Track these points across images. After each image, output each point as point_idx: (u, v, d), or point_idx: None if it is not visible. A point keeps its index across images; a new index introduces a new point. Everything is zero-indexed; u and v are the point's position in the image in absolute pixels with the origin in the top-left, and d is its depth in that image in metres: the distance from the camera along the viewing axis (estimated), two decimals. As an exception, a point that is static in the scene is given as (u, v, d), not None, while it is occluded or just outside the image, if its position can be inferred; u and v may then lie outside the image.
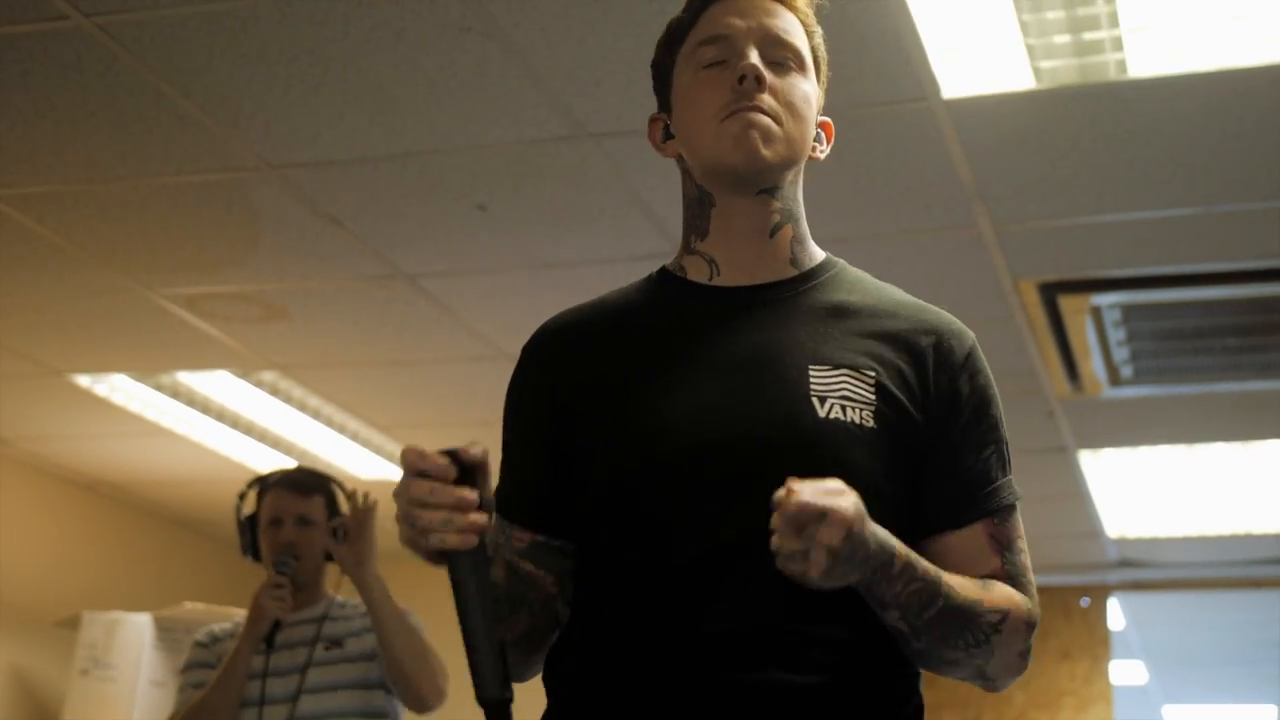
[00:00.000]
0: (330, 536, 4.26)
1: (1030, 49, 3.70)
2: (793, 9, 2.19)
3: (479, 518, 1.85)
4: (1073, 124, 4.05)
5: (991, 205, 4.49)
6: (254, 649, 4.20)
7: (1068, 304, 5.10)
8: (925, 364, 2.09)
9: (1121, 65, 3.75)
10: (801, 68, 2.16)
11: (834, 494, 1.79)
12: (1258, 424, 6.21)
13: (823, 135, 2.24)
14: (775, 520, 1.78)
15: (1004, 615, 2.01)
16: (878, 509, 1.94)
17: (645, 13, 3.49)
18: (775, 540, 1.79)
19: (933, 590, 1.93)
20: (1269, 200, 4.39)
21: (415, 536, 1.87)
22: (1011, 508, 2.11)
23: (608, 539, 2.09)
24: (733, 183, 2.14)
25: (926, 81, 3.84)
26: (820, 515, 1.76)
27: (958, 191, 4.41)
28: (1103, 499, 7.25)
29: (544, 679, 2.14)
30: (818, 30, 2.22)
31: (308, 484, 4.40)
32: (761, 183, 2.14)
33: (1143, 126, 4.04)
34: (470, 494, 1.85)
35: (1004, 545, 2.09)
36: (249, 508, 4.42)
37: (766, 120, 2.09)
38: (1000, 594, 2.04)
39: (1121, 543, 7.99)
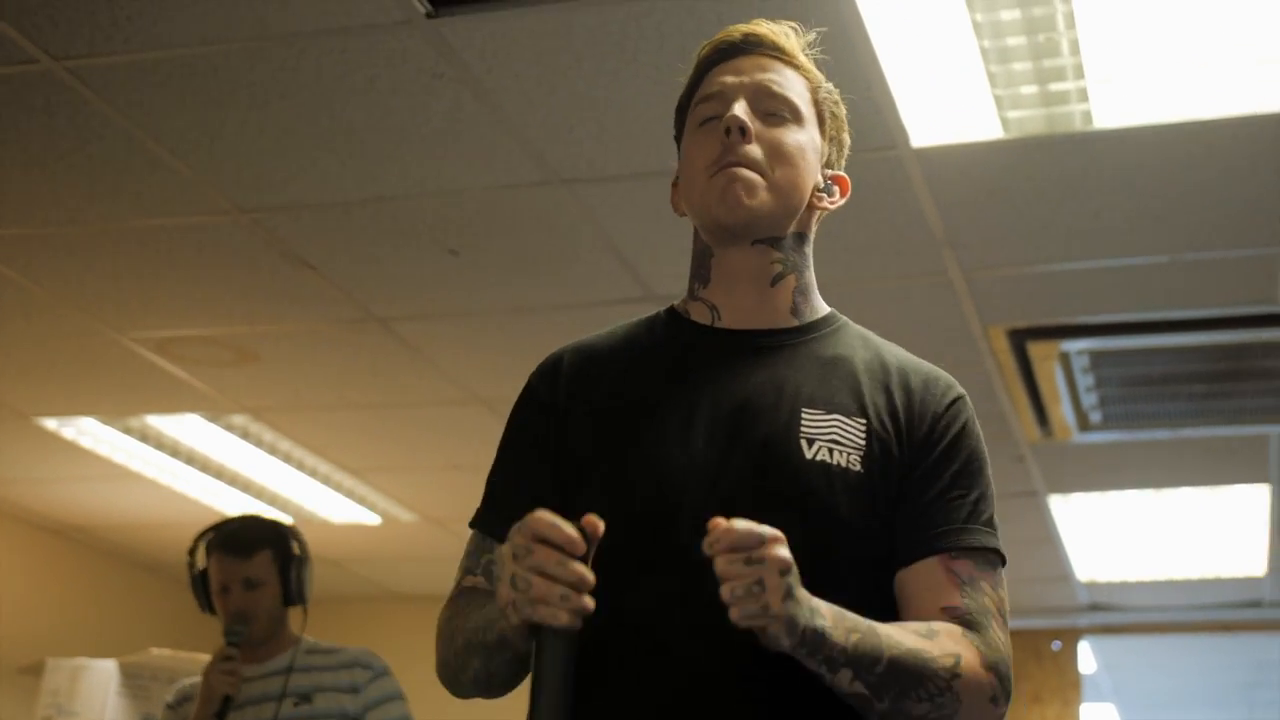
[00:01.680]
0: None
1: (998, 99, 3.72)
2: (792, 65, 2.21)
3: (591, 602, 1.78)
4: (1040, 173, 4.06)
5: (961, 253, 4.50)
6: None
7: (1037, 350, 5.12)
8: (912, 409, 2.11)
9: (1087, 116, 3.77)
10: (797, 119, 2.18)
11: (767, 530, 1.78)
12: (1226, 469, 6.23)
13: (835, 188, 2.27)
14: (719, 564, 1.76)
15: (956, 659, 1.96)
16: (859, 550, 1.99)
17: (617, 60, 3.51)
18: (724, 585, 1.76)
19: (873, 639, 1.88)
20: (1234, 249, 4.41)
21: (523, 604, 1.78)
22: (981, 551, 2.07)
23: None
24: (725, 235, 2.16)
25: (896, 130, 3.86)
26: (762, 540, 1.75)
27: (927, 239, 4.42)
28: (1073, 543, 7.26)
29: None
30: (824, 85, 2.25)
31: (249, 542, 4.25)
32: (753, 233, 2.16)
33: (1109, 176, 4.06)
34: (591, 575, 1.79)
35: (964, 581, 2.05)
36: (201, 563, 4.32)
37: (748, 174, 2.10)
38: (946, 640, 1.97)
39: (1092, 586, 8.00)
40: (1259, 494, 6.51)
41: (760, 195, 2.11)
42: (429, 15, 3.41)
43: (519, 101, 3.79)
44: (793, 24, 2.25)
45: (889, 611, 2.02)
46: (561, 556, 1.77)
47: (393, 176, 4.21)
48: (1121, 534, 7.11)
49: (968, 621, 2.01)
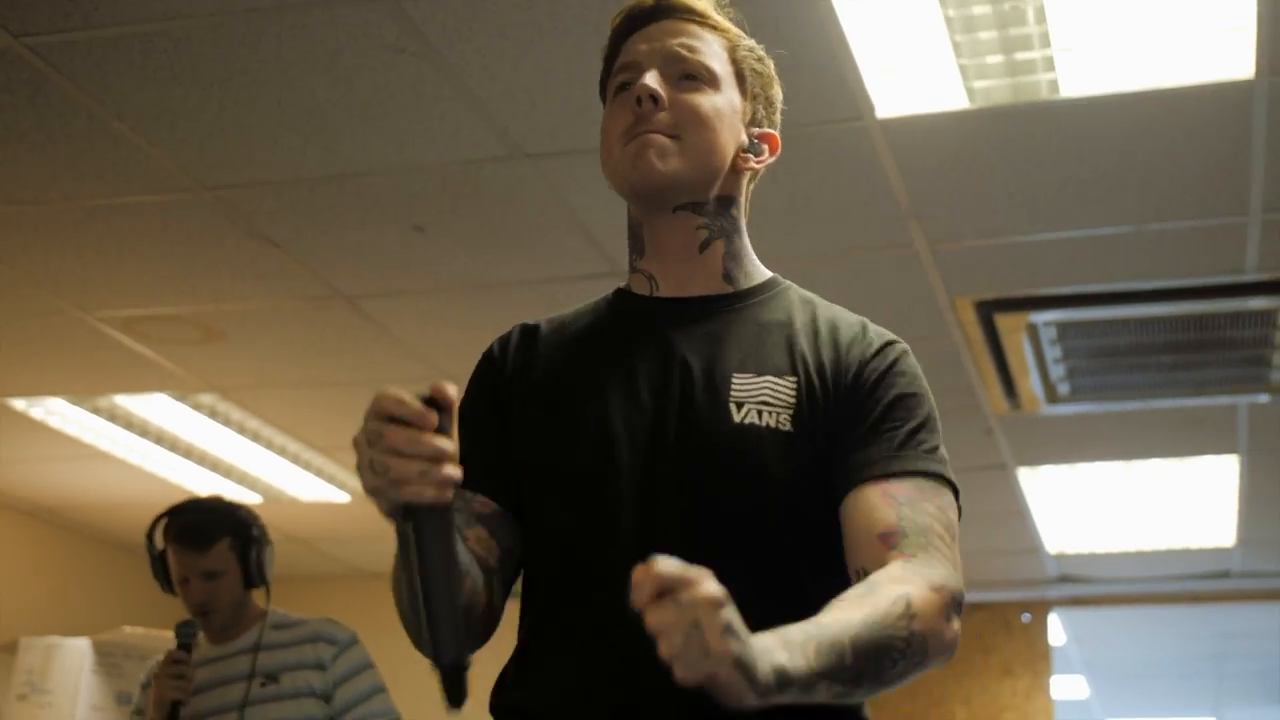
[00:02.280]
0: None
1: (963, 69, 3.72)
2: (707, 25, 2.20)
3: (455, 471, 1.74)
4: (1006, 143, 4.06)
5: (927, 224, 4.51)
6: None
7: (1004, 322, 5.13)
8: (840, 360, 2.10)
9: (1054, 85, 3.78)
10: (713, 82, 2.16)
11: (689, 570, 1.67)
12: (1193, 440, 6.25)
13: (764, 146, 2.24)
14: (649, 619, 1.63)
15: (906, 602, 1.89)
16: (794, 508, 1.99)
17: (579, 33, 3.49)
18: (661, 643, 1.63)
19: (830, 640, 1.80)
20: (1201, 218, 4.42)
21: (385, 487, 1.73)
22: (922, 475, 2.04)
23: (534, 546, 2.12)
24: (644, 203, 2.17)
25: (861, 101, 3.85)
26: (687, 580, 1.63)
27: (893, 210, 4.42)
28: (1042, 515, 7.29)
29: (493, 705, 2.13)
30: (744, 44, 2.23)
31: (206, 533, 4.18)
32: (672, 200, 2.16)
33: (1075, 145, 4.06)
34: (449, 445, 1.74)
35: (902, 503, 2.00)
36: (160, 544, 4.26)
37: (661, 139, 2.10)
38: (889, 588, 1.90)
39: (1061, 558, 8.04)
40: (1227, 465, 6.55)
41: (673, 161, 2.11)
42: (391, -11, 3.40)
43: (482, 76, 3.77)
44: None
45: (832, 569, 1.99)
46: (413, 433, 1.72)
47: (357, 153, 4.19)
48: (1090, 506, 7.14)
49: (907, 544, 1.96)
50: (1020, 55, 3.66)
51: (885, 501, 1.99)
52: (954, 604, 1.96)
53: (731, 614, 1.66)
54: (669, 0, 2.20)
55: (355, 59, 3.71)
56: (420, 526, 1.78)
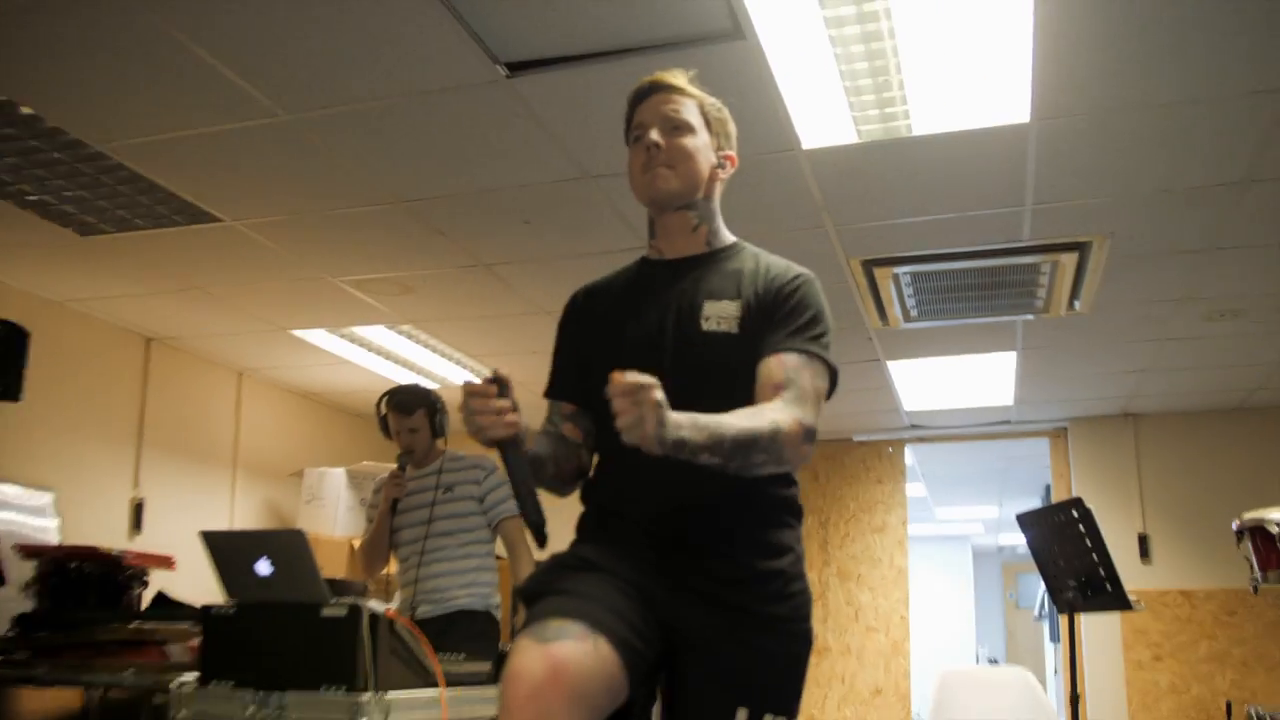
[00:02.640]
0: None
1: (854, 118, 3.63)
2: (686, 95, 2.19)
3: (515, 417, 1.90)
4: (881, 163, 3.97)
5: (833, 214, 4.42)
6: (388, 512, 4.23)
7: (879, 273, 5.05)
8: (769, 289, 2.10)
9: (908, 126, 3.69)
10: (691, 131, 2.16)
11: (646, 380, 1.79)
12: (990, 342, 6.17)
13: (726, 162, 2.23)
14: (615, 404, 1.77)
15: (775, 425, 1.92)
16: (737, 379, 2.02)
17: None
18: (618, 418, 1.77)
19: (718, 429, 1.86)
20: (995, 209, 4.32)
21: (476, 431, 1.89)
22: (805, 354, 2.02)
23: (597, 416, 2.16)
24: (655, 208, 2.18)
25: (792, 138, 3.78)
26: (640, 386, 1.75)
27: (812, 206, 4.34)
28: (901, 388, 7.22)
29: (580, 498, 2.19)
30: (708, 101, 2.21)
31: (410, 403, 4.29)
32: (673, 204, 2.16)
33: (922, 164, 3.97)
34: (506, 404, 1.89)
35: (788, 368, 2.00)
36: (384, 411, 4.34)
37: (663, 171, 2.12)
38: (768, 413, 1.93)
39: (911, 414, 7.98)
40: (1009, 357, 6.48)
41: (671, 183, 2.12)
42: None
43: (564, 121, 3.69)
44: (683, 70, 2.23)
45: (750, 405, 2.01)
46: (484, 400, 1.88)
47: (487, 175, 4.10)
48: (930, 382, 7.08)
49: (787, 394, 1.97)
50: (888, 109, 3.57)
51: (779, 367, 2.01)
52: (805, 433, 1.96)
53: (664, 412, 1.77)
54: (662, 81, 2.19)
55: (497, 138, 3.63)
56: (504, 451, 1.91)
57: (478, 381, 1.90)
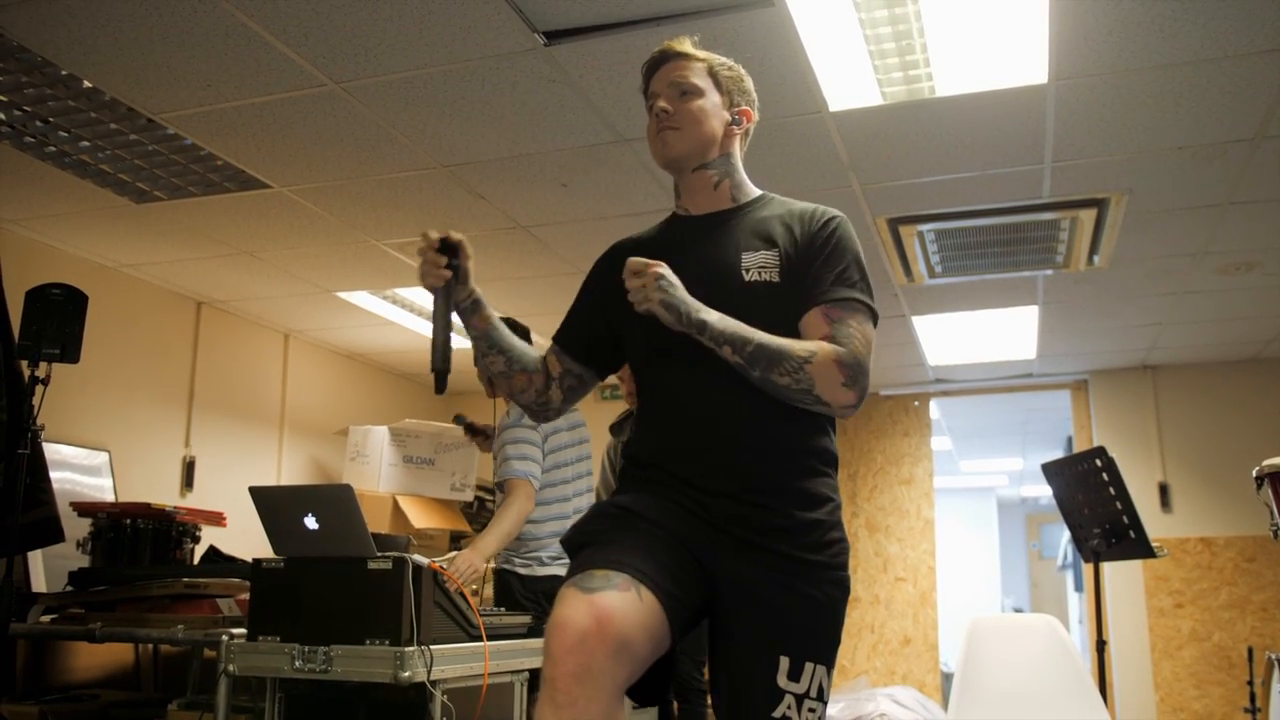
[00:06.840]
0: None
1: (879, 80, 3.69)
2: (694, 59, 2.21)
3: (445, 272, 2.09)
4: (906, 124, 4.02)
5: (860, 174, 4.48)
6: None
7: (904, 231, 5.11)
8: (804, 235, 2.10)
9: (931, 88, 3.74)
10: (698, 93, 2.18)
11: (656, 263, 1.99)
12: (1011, 297, 6.22)
13: (742, 118, 2.24)
14: (627, 283, 1.97)
15: (812, 353, 1.94)
16: (776, 325, 2.00)
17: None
18: (630, 294, 1.95)
19: (746, 331, 1.94)
20: (1016, 166, 4.38)
21: (419, 278, 2.11)
22: (848, 302, 2.01)
23: (638, 369, 2.18)
24: (672, 170, 2.22)
25: (820, 100, 3.83)
26: (647, 263, 1.92)
27: (839, 166, 4.40)
28: (926, 343, 7.27)
29: (622, 454, 2.19)
30: (721, 62, 2.23)
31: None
32: (687, 165, 2.19)
33: (945, 125, 4.02)
34: (442, 260, 2.09)
35: (834, 320, 1.99)
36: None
37: (670, 134, 2.16)
38: (810, 344, 1.94)
39: (937, 368, 8.03)
40: (1031, 311, 6.52)
41: (679, 146, 2.16)
42: None
43: (601, 88, 3.77)
44: (690, 36, 2.25)
45: None
46: (431, 255, 2.08)
47: (527, 140, 4.17)
48: (954, 337, 7.12)
49: (835, 340, 1.98)
50: (911, 72, 3.64)
51: (825, 320, 2.01)
52: (850, 368, 1.94)
53: (668, 284, 1.95)
54: (672, 49, 2.22)
55: (535, 104, 3.72)
56: (435, 296, 2.13)
57: (429, 237, 2.09)
